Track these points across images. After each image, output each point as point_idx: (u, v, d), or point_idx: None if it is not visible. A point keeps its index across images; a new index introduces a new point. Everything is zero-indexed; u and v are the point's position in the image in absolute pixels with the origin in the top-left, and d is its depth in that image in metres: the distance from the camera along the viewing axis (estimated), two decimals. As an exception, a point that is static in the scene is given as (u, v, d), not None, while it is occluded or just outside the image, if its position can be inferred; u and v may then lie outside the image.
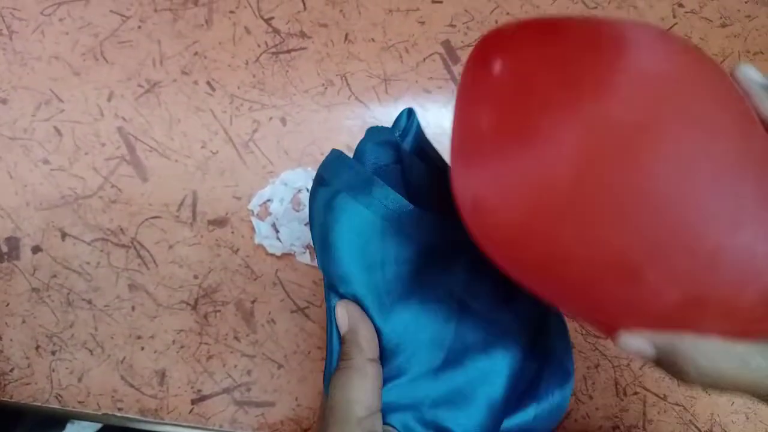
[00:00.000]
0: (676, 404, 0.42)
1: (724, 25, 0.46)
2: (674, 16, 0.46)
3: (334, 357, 0.27)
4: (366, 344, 0.26)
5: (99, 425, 0.50)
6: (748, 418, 0.42)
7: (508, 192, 0.19)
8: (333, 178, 0.28)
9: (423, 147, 0.31)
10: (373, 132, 0.31)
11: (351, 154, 0.43)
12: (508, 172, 0.19)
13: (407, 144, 0.31)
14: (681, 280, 0.19)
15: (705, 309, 0.20)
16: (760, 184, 0.19)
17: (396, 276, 0.27)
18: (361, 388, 0.25)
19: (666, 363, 0.21)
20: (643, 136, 0.18)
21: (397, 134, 0.30)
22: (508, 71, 0.20)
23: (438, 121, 0.44)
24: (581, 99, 0.19)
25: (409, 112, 0.31)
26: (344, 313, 0.27)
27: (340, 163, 0.28)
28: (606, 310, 0.21)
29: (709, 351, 0.20)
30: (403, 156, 0.29)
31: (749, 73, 0.22)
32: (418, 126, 0.31)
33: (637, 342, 0.21)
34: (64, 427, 0.50)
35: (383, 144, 0.30)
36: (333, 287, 0.28)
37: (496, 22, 0.45)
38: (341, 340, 0.27)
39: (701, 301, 0.19)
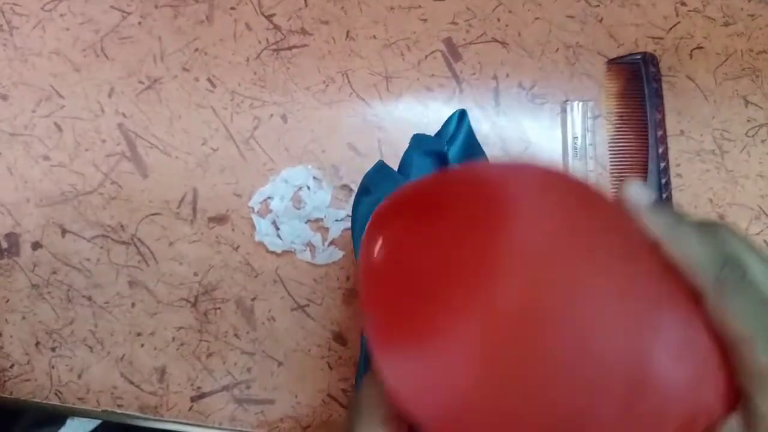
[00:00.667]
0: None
1: (727, 24, 0.46)
2: (677, 15, 0.46)
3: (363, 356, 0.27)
4: None
5: (98, 422, 0.50)
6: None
7: (416, 393, 0.18)
8: (376, 188, 0.28)
9: (472, 153, 0.31)
10: (420, 140, 0.30)
11: (354, 153, 0.43)
12: (410, 371, 0.18)
13: (455, 151, 0.30)
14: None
15: None
16: (656, 314, 0.19)
17: None
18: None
19: None
20: (541, 319, 0.17)
21: (444, 142, 0.30)
22: (387, 257, 0.19)
23: (440, 120, 0.44)
24: (468, 287, 0.18)
25: (460, 116, 0.31)
26: None
27: (384, 175, 0.28)
28: None
29: None
30: (449, 167, 0.29)
31: (636, 193, 0.21)
32: (468, 130, 0.31)
33: None
34: (63, 423, 0.50)
35: (429, 154, 0.30)
36: None
37: (498, 20, 0.45)
38: None
39: None
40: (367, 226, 0.20)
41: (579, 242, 0.19)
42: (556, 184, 0.20)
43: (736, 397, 0.19)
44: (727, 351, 0.19)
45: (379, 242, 0.19)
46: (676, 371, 0.19)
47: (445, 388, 0.18)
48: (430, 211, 0.19)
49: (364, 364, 0.28)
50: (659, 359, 0.18)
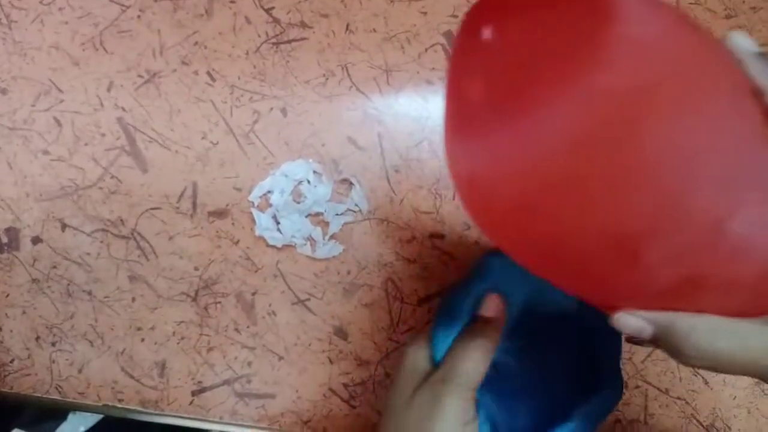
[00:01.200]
0: (678, 398, 0.42)
1: (728, 17, 0.46)
2: (678, 7, 0.45)
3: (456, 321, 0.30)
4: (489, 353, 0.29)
5: (98, 417, 0.50)
6: (749, 413, 0.42)
7: (504, 165, 0.18)
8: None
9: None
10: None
11: (354, 146, 0.43)
12: (503, 144, 0.18)
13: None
14: (680, 259, 0.18)
15: (704, 287, 0.19)
16: (757, 155, 0.19)
17: None
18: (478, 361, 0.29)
19: (664, 343, 0.21)
20: (640, 107, 0.18)
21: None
22: (499, 39, 0.19)
23: (439, 112, 0.44)
24: (577, 69, 0.18)
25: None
26: (495, 304, 0.30)
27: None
28: (605, 289, 0.20)
29: (708, 330, 0.20)
30: None
31: (741, 42, 0.21)
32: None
33: (635, 322, 0.21)
34: (64, 418, 0.50)
35: None
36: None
37: (499, 12, 0.45)
38: (479, 319, 0.30)
39: (700, 279, 0.19)
40: (470, 11, 0.20)
41: (685, 59, 0.19)
42: (669, 8, 0.20)
43: None
44: None
45: (490, 26, 0.19)
46: (756, 229, 0.18)
47: (538, 156, 0.18)
48: (548, 1, 0.19)
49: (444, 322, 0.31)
50: (743, 216, 0.18)
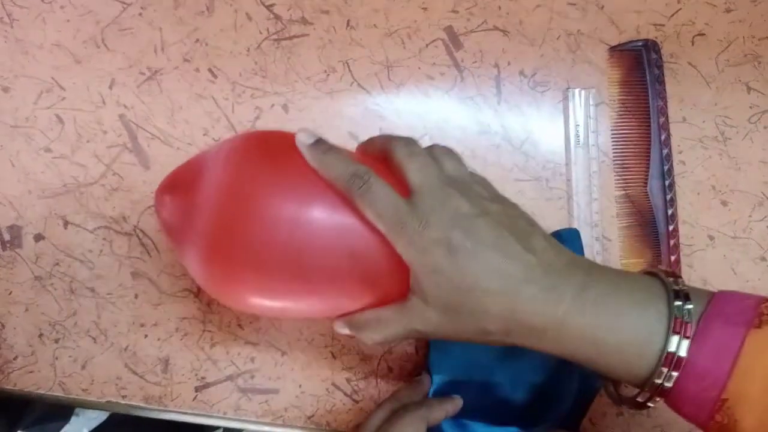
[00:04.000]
0: (681, 390, 0.42)
1: (728, 11, 0.46)
2: (678, 1, 0.45)
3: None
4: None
5: (102, 418, 0.50)
6: (752, 405, 0.42)
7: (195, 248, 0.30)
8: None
9: None
10: None
11: (355, 142, 0.43)
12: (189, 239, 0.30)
13: None
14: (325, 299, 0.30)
15: (354, 298, 0.30)
16: (333, 209, 0.28)
17: None
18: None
19: (357, 335, 0.31)
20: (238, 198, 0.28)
21: None
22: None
23: (440, 108, 0.44)
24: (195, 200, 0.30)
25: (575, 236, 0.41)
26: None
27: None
28: (309, 315, 0.33)
29: (366, 322, 0.30)
30: None
31: (299, 138, 0.29)
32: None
33: (338, 326, 0.31)
34: (67, 420, 0.50)
35: None
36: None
37: (499, 8, 0.45)
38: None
39: (347, 296, 0.30)
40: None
41: (265, 169, 0.29)
42: (246, 140, 0.31)
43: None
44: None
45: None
46: (334, 241, 0.28)
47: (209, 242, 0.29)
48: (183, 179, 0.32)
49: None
50: (318, 234, 0.28)
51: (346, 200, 0.28)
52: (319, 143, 0.29)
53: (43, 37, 0.43)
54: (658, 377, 0.26)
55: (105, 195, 0.42)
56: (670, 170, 0.43)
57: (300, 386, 0.42)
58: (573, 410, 0.39)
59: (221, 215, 0.28)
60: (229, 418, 0.41)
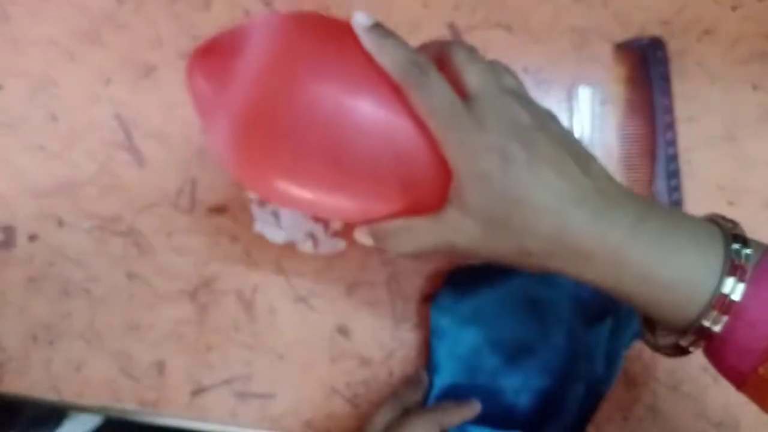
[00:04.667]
0: (687, 395, 0.41)
1: (735, 8, 0.45)
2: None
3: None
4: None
5: (95, 423, 0.49)
6: (759, 410, 0.41)
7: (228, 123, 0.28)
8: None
9: None
10: None
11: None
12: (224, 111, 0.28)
13: None
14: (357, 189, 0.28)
15: (385, 202, 0.28)
16: (381, 102, 0.26)
17: None
18: None
19: (380, 244, 0.29)
20: (288, 75, 0.26)
21: None
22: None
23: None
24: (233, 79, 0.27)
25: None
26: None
27: None
28: (334, 215, 0.31)
29: (395, 230, 0.28)
30: None
31: (357, 19, 0.27)
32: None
33: (360, 234, 0.30)
34: (60, 424, 0.49)
35: None
36: None
37: (503, 3, 0.44)
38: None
39: (379, 199, 0.28)
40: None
41: (311, 46, 0.27)
42: (297, 18, 0.29)
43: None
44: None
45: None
46: (379, 137, 0.26)
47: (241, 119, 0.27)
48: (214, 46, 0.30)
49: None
50: (362, 127, 0.26)
51: (397, 94, 0.26)
52: (378, 26, 0.27)
53: (38, 33, 0.42)
54: (707, 319, 0.24)
55: (99, 194, 0.41)
56: (677, 170, 0.42)
57: (298, 391, 0.41)
58: (577, 416, 0.38)
59: (261, 87, 0.27)
60: (225, 424, 0.40)
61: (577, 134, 0.43)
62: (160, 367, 0.41)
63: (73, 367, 0.41)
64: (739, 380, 0.25)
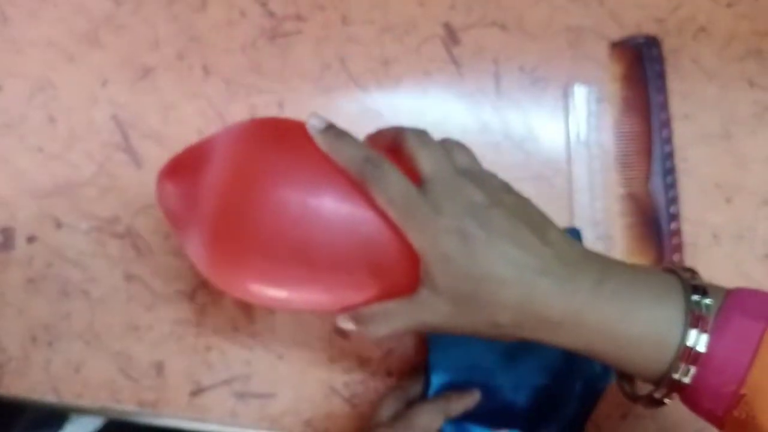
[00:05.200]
0: (686, 392, 0.41)
1: (730, 5, 0.45)
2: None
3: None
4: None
5: (96, 425, 0.49)
6: (759, 406, 0.41)
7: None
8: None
9: None
10: None
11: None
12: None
13: None
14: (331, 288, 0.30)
15: (360, 290, 0.29)
16: (344, 196, 0.28)
17: None
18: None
19: (362, 330, 0.30)
20: (247, 185, 0.28)
21: None
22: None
23: (439, 104, 0.43)
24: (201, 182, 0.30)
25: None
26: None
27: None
28: (311, 308, 0.32)
29: (372, 315, 0.29)
30: None
31: (311, 122, 0.29)
32: None
33: (343, 322, 0.30)
34: (61, 425, 0.49)
35: None
36: None
37: (499, 2, 0.44)
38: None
39: (353, 288, 0.29)
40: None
41: (274, 154, 0.29)
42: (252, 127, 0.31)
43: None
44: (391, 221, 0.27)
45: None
46: (345, 229, 0.28)
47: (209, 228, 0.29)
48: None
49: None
50: (328, 222, 0.28)
51: (357, 188, 0.28)
52: (331, 128, 0.29)
53: (36, 34, 0.43)
54: (676, 372, 0.25)
55: (98, 195, 0.42)
56: (673, 168, 0.42)
57: (297, 390, 0.41)
58: (576, 414, 0.38)
59: (227, 198, 0.28)
60: (225, 424, 0.40)
61: (573, 133, 0.43)
62: (160, 367, 0.41)
63: (73, 368, 0.41)
64: (718, 423, 0.26)
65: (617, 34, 0.44)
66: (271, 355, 0.41)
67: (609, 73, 0.44)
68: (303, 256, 0.28)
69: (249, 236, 0.28)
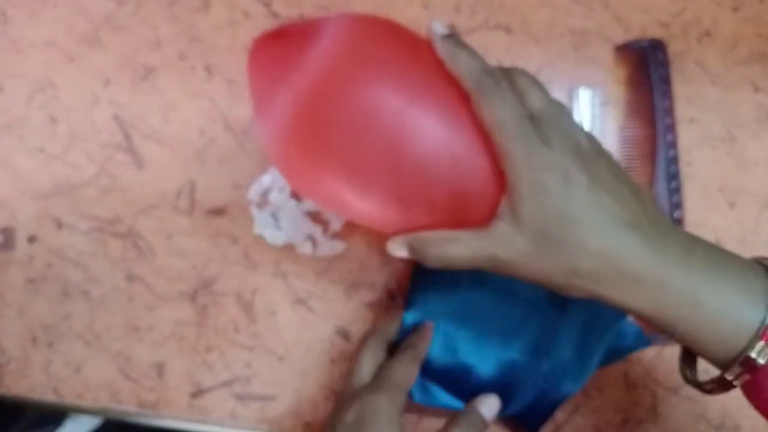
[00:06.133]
0: (687, 397, 0.41)
1: (735, 9, 0.45)
2: (684, 0, 0.44)
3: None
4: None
5: (95, 424, 0.49)
6: (760, 412, 0.41)
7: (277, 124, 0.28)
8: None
9: None
10: None
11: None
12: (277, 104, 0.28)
13: None
14: (401, 197, 0.28)
15: (430, 212, 0.28)
16: (443, 110, 0.27)
17: None
18: None
19: (417, 256, 0.29)
20: (347, 75, 0.26)
21: None
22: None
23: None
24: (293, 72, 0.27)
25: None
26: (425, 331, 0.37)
27: None
28: (374, 221, 0.30)
29: (437, 240, 0.28)
30: None
31: (434, 27, 0.28)
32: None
33: (394, 245, 0.30)
34: (60, 423, 0.49)
35: None
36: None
37: (503, 5, 0.44)
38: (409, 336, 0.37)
39: (425, 207, 0.28)
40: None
41: (380, 50, 0.27)
42: (366, 21, 0.29)
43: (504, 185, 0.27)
44: (489, 142, 0.26)
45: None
46: (438, 145, 0.27)
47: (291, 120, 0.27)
48: (279, 37, 0.29)
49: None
50: (422, 133, 0.26)
51: (460, 105, 0.27)
52: (454, 35, 0.28)
53: (36, 35, 0.42)
54: (753, 350, 0.25)
55: (99, 196, 0.41)
56: (677, 172, 0.42)
57: (298, 392, 0.41)
58: (535, 408, 0.38)
59: (327, 81, 0.26)
60: (225, 425, 0.40)
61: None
62: (160, 368, 0.41)
63: (73, 369, 0.41)
64: None
65: (622, 37, 0.44)
66: (272, 357, 0.41)
67: (613, 77, 0.43)
68: (387, 159, 0.26)
69: (337, 129, 0.26)
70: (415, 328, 0.37)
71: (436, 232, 0.28)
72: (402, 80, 0.27)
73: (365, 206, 0.28)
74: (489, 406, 0.35)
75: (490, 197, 0.27)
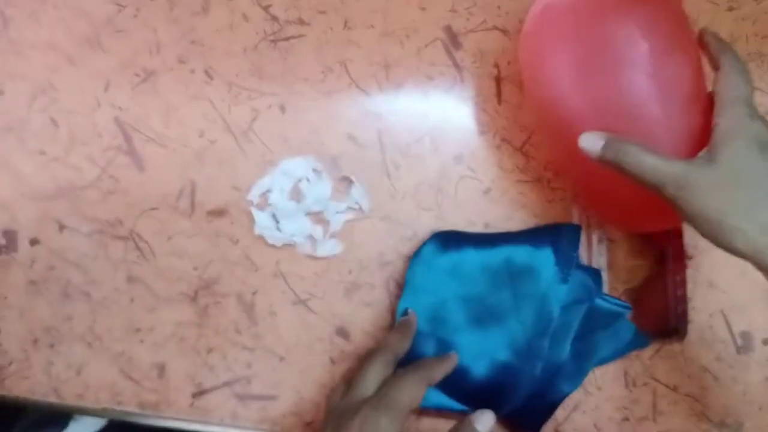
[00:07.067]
0: (687, 395, 0.41)
1: (731, 9, 0.45)
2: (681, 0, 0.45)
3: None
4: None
5: (99, 426, 0.49)
6: (761, 409, 0.41)
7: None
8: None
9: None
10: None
11: (353, 144, 0.43)
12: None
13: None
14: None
15: (652, 127, 0.33)
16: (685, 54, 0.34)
17: None
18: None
19: (611, 155, 0.31)
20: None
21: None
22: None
23: (440, 109, 0.43)
24: None
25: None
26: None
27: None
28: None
29: (638, 147, 0.31)
30: None
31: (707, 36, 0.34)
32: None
33: (591, 137, 0.31)
34: (65, 425, 0.49)
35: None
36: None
37: (499, 7, 0.44)
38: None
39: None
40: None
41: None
42: None
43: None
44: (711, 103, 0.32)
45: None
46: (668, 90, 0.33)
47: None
48: None
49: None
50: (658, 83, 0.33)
51: (698, 63, 0.34)
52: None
53: (38, 37, 0.43)
54: None
55: (100, 198, 0.42)
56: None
57: (298, 392, 0.41)
58: (534, 409, 0.38)
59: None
60: (226, 425, 0.40)
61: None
62: (161, 369, 0.41)
63: (74, 370, 0.41)
64: None
65: (618, 37, 0.44)
66: (273, 357, 0.41)
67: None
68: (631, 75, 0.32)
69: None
70: (439, 356, 0.37)
71: (637, 141, 0.31)
72: (660, 30, 0.33)
73: (594, 101, 0.34)
74: (484, 422, 0.34)
75: (691, 143, 0.32)
